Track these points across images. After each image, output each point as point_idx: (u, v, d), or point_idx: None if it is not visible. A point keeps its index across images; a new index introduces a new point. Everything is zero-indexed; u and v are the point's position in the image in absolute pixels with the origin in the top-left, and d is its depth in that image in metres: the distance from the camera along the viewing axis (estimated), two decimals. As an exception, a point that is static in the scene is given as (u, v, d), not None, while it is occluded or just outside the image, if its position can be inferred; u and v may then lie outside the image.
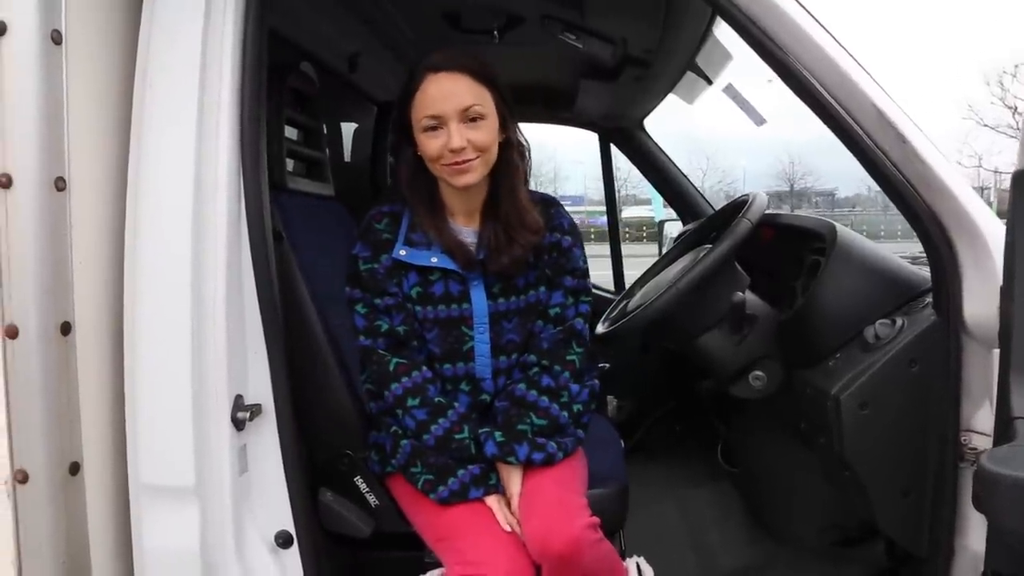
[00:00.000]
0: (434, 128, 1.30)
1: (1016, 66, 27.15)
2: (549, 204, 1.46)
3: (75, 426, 1.20)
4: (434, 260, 1.36)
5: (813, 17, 1.24)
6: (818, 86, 1.24)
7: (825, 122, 1.27)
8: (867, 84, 1.23)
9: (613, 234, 3.25)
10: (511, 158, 1.38)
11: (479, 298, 1.39)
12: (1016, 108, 26.83)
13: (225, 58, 1.28)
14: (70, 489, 1.20)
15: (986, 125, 27.46)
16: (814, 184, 37.02)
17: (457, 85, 1.30)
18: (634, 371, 2.70)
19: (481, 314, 1.39)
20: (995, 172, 27.68)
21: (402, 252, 1.37)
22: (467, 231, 1.40)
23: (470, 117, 1.29)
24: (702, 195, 2.99)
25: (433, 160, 1.31)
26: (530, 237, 1.37)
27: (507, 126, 1.36)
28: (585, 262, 1.47)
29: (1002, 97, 27.14)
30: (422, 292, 1.38)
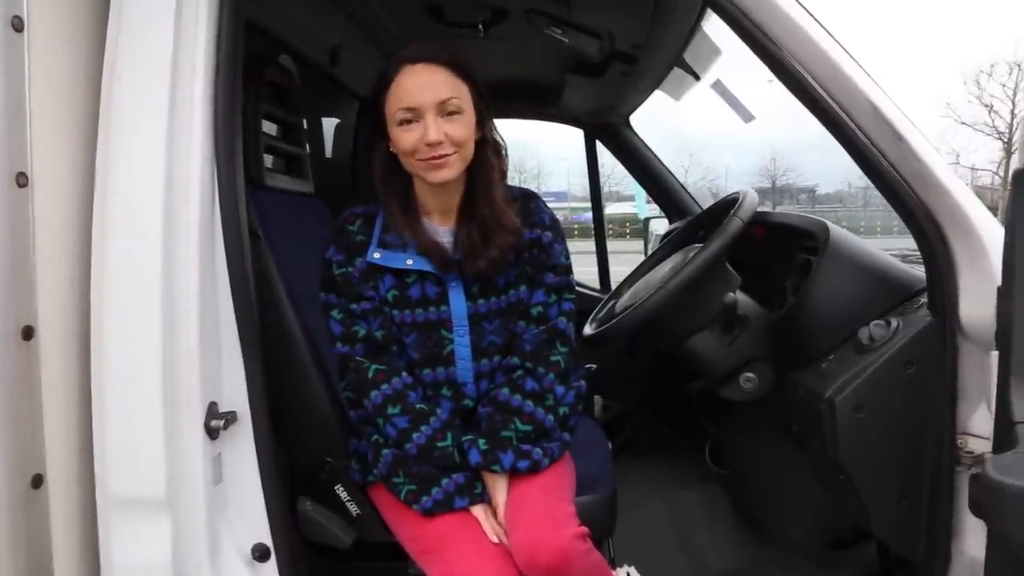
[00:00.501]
0: (409, 121, 1.25)
1: (992, 65, 27.60)
2: (529, 199, 1.41)
3: (38, 436, 1.15)
4: (409, 262, 1.32)
5: (807, 11, 1.21)
6: (812, 82, 1.20)
7: (819, 118, 1.24)
8: (863, 80, 1.20)
9: (598, 231, 3.22)
10: (487, 156, 1.34)
11: (458, 300, 1.34)
12: (992, 106, 27.24)
13: (199, 48, 1.22)
14: (32, 503, 1.14)
15: (963, 123, 27.87)
16: (796, 181, 37.28)
17: (434, 77, 1.25)
18: (620, 371, 2.66)
19: (460, 316, 1.34)
20: (972, 169, 28.08)
21: (376, 255, 1.32)
22: (443, 231, 1.35)
23: (447, 111, 1.25)
24: (688, 192, 2.96)
25: (408, 154, 1.26)
26: (507, 238, 1.32)
27: (484, 123, 1.32)
28: (567, 258, 1.42)
29: (979, 96, 27.54)
30: (398, 295, 1.33)
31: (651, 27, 1.90)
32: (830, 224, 1.55)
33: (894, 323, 1.31)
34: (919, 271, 1.44)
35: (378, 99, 1.29)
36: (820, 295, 1.45)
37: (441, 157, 1.24)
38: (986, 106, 27.11)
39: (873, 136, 1.20)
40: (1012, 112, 26.82)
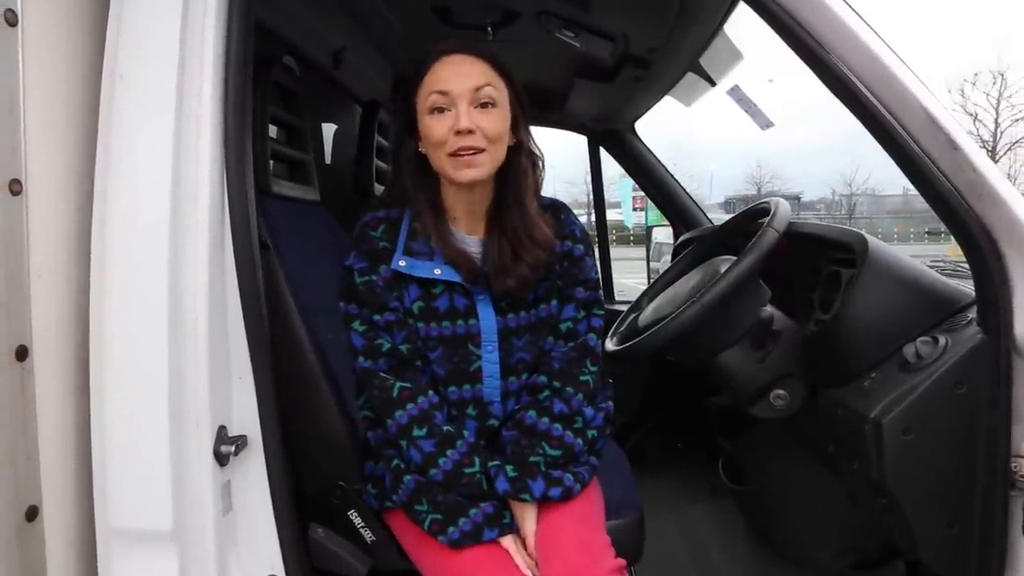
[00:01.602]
0: (441, 110, 1.18)
1: (976, 75, 27.94)
2: (559, 210, 1.34)
3: (33, 464, 1.06)
4: (437, 272, 1.24)
5: (858, 14, 1.15)
6: (862, 87, 1.15)
7: (866, 124, 1.18)
8: (915, 85, 1.14)
9: (602, 238, 3.17)
10: (521, 163, 1.26)
11: (486, 313, 1.26)
12: (976, 115, 27.56)
13: (207, 46, 1.15)
14: (27, 536, 1.05)
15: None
16: (781, 188, 37.42)
17: (470, 66, 1.20)
18: (625, 381, 2.60)
19: (489, 331, 1.26)
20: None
21: (402, 263, 1.24)
22: (471, 240, 1.28)
23: (481, 101, 1.18)
24: (695, 202, 2.90)
25: (437, 146, 1.19)
26: (538, 253, 1.25)
27: (519, 128, 1.25)
28: (597, 272, 1.36)
29: (963, 104, 27.85)
30: (424, 307, 1.25)
31: (672, 29, 1.84)
32: (868, 236, 1.48)
33: (942, 340, 1.25)
34: (960, 284, 1.38)
35: (410, 94, 1.23)
36: (860, 309, 1.39)
37: (471, 153, 1.17)
38: (970, 115, 27.45)
39: (925, 144, 1.14)
40: (996, 121, 27.22)
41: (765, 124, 2.00)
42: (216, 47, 1.16)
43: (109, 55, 1.14)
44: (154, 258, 1.11)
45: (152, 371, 1.09)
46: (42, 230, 1.07)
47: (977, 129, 27.17)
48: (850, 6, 1.16)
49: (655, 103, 2.58)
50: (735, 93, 1.97)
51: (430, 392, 1.24)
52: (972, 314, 1.26)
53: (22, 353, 1.05)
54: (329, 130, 2.56)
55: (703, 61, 2.06)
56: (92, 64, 1.14)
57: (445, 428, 1.23)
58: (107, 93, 1.13)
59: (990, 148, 26.42)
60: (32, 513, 1.06)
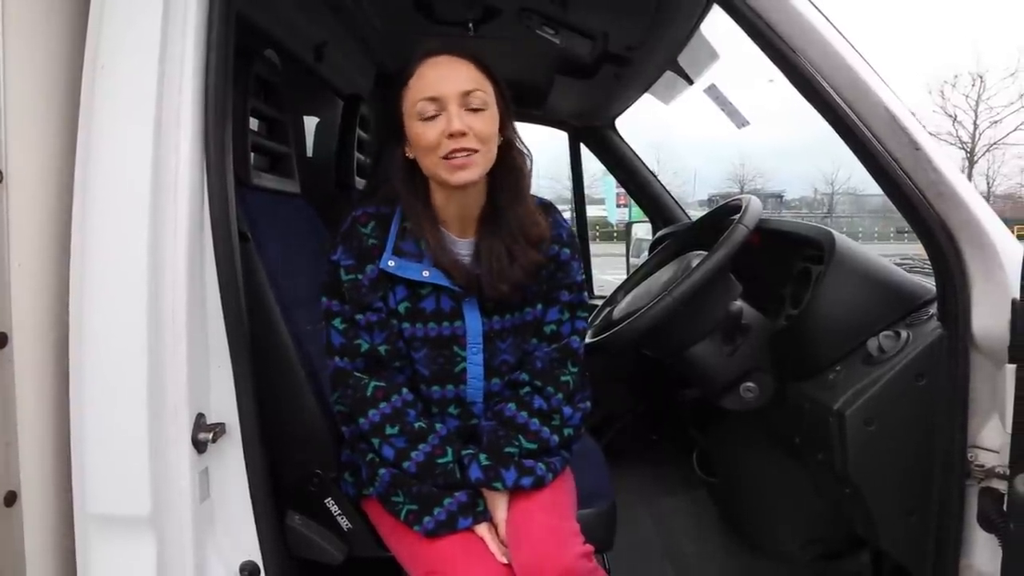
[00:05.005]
0: (431, 117, 1.17)
1: (955, 76, 28.22)
2: (547, 211, 1.33)
3: (11, 450, 1.07)
4: (425, 274, 1.23)
5: (825, 17, 1.19)
6: (829, 88, 1.18)
7: (832, 124, 1.22)
8: (880, 88, 1.18)
9: (582, 235, 3.19)
10: (514, 160, 1.25)
11: (473, 316, 1.26)
12: (955, 116, 27.85)
13: (188, 38, 1.16)
14: (5, 522, 1.07)
15: (928, 132, 28.40)
16: (764, 186, 37.63)
17: (458, 68, 1.19)
18: (603, 374, 2.62)
19: (475, 333, 1.26)
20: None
21: (391, 263, 1.23)
22: (462, 243, 1.27)
23: (471, 105, 1.17)
24: (673, 198, 2.94)
25: (429, 151, 1.18)
26: (533, 255, 1.25)
27: (507, 127, 1.24)
28: (582, 274, 1.36)
29: (943, 106, 28.11)
30: (411, 308, 1.25)
31: (649, 28, 1.87)
32: (835, 233, 1.53)
33: (904, 334, 1.29)
34: (924, 280, 1.43)
35: (395, 99, 1.22)
36: (826, 305, 1.43)
37: (465, 155, 1.16)
38: (950, 116, 27.71)
39: (889, 145, 1.18)
40: (975, 123, 27.52)
41: (741, 123, 2.03)
42: (197, 39, 1.17)
43: (90, 46, 1.14)
44: (134, 247, 1.12)
45: (131, 358, 1.10)
46: (23, 219, 1.09)
47: (956, 130, 27.51)
48: (818, 9, 1.20)
49: (635, 100, 2.62)
50: (712, 92, 2.00)
51: (404, 390, 1.25)
52: (933, 309, 1.31)
53: (2, 340, 1.06)
54: (311, 124, 2.57)
55: (681, 60, 2.09)
56: (73, 55, 1.15)
57: (417, 424, 1.24)
58: (88, 84, 1.14)
59: (969, 149, 26.72)
60: (11, 499, 1.07)
